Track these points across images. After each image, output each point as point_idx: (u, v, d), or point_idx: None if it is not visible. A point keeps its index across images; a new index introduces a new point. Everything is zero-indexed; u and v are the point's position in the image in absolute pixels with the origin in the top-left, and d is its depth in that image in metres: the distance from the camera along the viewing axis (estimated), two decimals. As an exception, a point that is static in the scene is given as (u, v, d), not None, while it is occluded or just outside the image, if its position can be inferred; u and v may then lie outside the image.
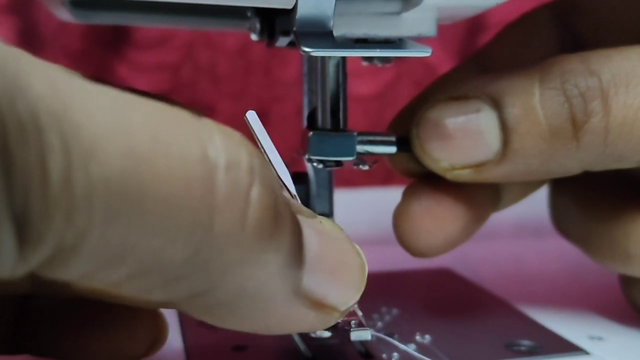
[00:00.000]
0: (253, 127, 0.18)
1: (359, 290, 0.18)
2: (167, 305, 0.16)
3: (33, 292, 0.22)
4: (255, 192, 0.14)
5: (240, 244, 0.14)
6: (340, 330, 0.24)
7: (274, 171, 0.18)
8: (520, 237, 0.47)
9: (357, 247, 0.18)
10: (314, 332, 0.24)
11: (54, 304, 0.24)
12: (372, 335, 0.23)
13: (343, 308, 0.17)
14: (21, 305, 0.24)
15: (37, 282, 0.21)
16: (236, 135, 0.15)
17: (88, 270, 0.13)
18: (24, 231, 0.12)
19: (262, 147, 0.19)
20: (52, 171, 0.12)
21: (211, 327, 0.28)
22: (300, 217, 0.17)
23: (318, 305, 0.17)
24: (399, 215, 0.26)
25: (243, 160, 0.15)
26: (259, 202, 0.15)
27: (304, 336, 0.26)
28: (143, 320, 0.23)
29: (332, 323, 0.18)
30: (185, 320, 0.29)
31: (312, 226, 0.17)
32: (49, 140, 0.11)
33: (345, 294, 0.17)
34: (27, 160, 0.11)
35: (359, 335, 0.23)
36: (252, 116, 0.19)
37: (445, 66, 0.50)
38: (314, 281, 0.16)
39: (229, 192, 0.14)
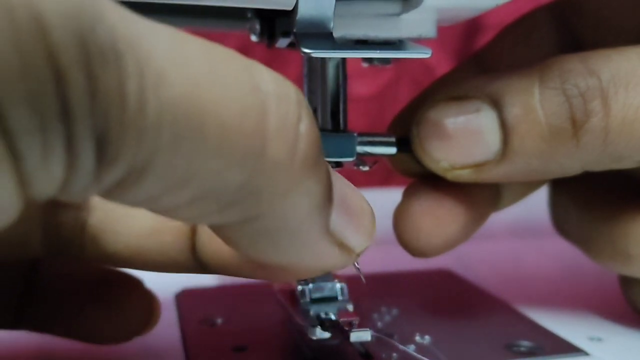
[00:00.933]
0: None
1: (372, 236, 0.19)
2: (216, 231, 0.17)
3: (44, 255, 0.23)
4: (304, 125, 0.15)
5: (289, 172, 0.15)
6: (340, 330, 0.24)
7: None
8: (519, 238, 0.47)
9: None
10: (315, 334, 0.24)
11: (57, 282, 0.25)
12: (371, 336, 0.23)
13: (359, 250, 0.18)
14: (26, 281, 0.25)
15: (50, 244, 0.22)
16: (282, 76, 0.16)
17: (153, 194, 0.14)
18: (102, 151, 0.12)
19: None
20: (128, 94, 0.12)
21: (211, 327, 0.28)
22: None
23: (342, 244, 0.18)
24: (399, 216, 0.27)
25: (292, 94, 0.15)
26: (307, 134, 0.15)
27: (305, 337, 0.26)
28: (138, 301, 0.25)
29: (350, 263, 0.19)
30: (185, 321, 0.29)
31: (335, 173, 0.18)
32: (126, 65, 0.12)
33: (362, 237, 0.18)
34: (108, 83, 0.12)
35: (358, 336, 0.23)
36: None
37: (443, 67, 0.50)
38: (340, 221, 0.17)
39: (280, 122, 0.15)
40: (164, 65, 0.13)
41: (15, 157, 0.12)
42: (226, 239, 0.17)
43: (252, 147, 0.14)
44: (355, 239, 0.18)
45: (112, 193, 0.14)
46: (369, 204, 0.19)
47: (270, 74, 0.15)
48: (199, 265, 0.23)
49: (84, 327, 0.25)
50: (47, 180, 0.12)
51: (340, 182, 0.18)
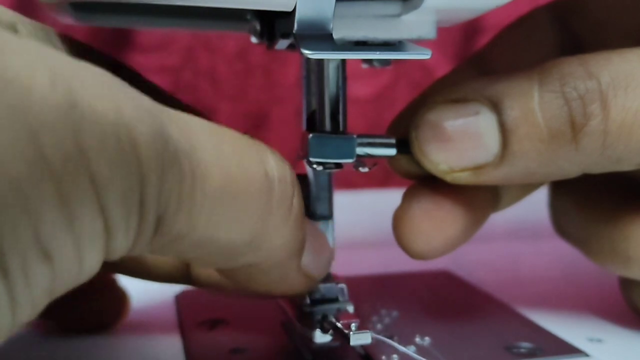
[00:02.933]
0: None
1: (329, 266, 0.25)
2: (223, 272, 0.22)
3: None
4: (296, 199, 0.21)
5: (284, 234, 0.21)
6: (340, 333, 0.24)
7: None
8: (519, 239, 0.47)
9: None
10: (315, 337, 0.24)
11: None
12: (371, 338, 0.23)
13: (320, 277, 0.24)
14: None
15: None
16: (277, 153, 0.21)
17: (186, 251, 0.19)
18: (160, 226, 0.17)
19: None
20: (183, 188, 0.17)
21: (211, 329, 0.28)
22: None
23: (308, 275, 0.23)
24: (399, 218, 0.27)
25: (288, 175, 0.20)
26: (298, 206, 0.21)
27: (304, 339, 0.26)
28: (111, 295, 0.30)
29: (305, 292, 0.25)
30: (184, 322, 0.29)
31: (306, 220, 0.23)
32: (185, 169, 0.17)
33: (323, 268, 0.24)
34: (171, 182, 0.17)
35: (359, 338, 0.23)
36: None
37: (442, 68, 0.50)
38: (307, 260, 0.23)
39: (281, 199, 0.20)
40: (208, 166, 0.18)
41: (108, 233, 0.16)
42: (223, 272, 0.22)
43: (261, 217, 0.19)
44: (317, 271, 0.24)
45: (155, 250, 0.18)
46: (329, 245, 0.25)
47: (274, 158, 0.20)
48: (191, 280, 0.28)
49: (64, 316, 0.29)
50: (122, 249, 0.17)
51: (309, 229, 0.23)
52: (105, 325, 0.29)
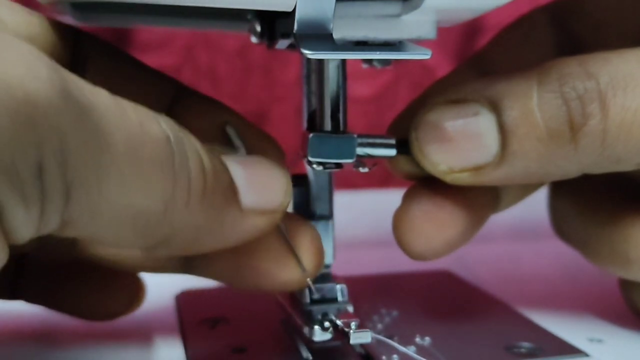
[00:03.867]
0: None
1: (288, 194, 0.22)
2: (145, 252, 0.21)
3: (39, 252, 0.26)
4: (191, 160, 0.19)
5: (190, 200, 0.19)
6: (340, 332, 0.24)
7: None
8: (519, 239, 0.47)
9: (278, 163, 0.23)
10: (315, 335, 0.24)
11: (49, 261, 0.28)
12: (371, 338, 0.23)
13: (281, 208, 0.22)
14: (20, 257, 0.28)
15: (40, 244, 0.24)
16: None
17: (102, 227, 0.18)
18: (69, 197, 0.16)
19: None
20: (90, 153, 0.16)
21: (211, 328, 0.28)
22: (224, 157, 0.22)
23: (261, 212, 0.22)
24: (399, 219, 0.27)
25: (179, 135, 0.19)
26: (193, 166, 0.19)
27: (304, 338, 0.26)
28: (124, 283, 0.29)
29: (278, 220, 0.22)
30: (185, 322, 0.29)
31: (234, 160, 0.22)
32: (88, 128, 0.16)
33: (277, 198, 0.22)
34: (76, 144, 0.15)
35: (359, 337, 0.23)
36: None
37: (443, 68, 0.50)
38: (250, 198, 0.21)
39: (180, 162, 0.19)
40: (112, 126, 0.17)
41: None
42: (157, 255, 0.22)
43: (169, 180, 0.18)
44: (271, 202, 0.22)
45: (68, 229, 0.17)
46: (279, 169, 0.22)
47: (165, 120, 0.19)
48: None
49: (74, 304, 0.28)
50: (25, 229, 0.15)
51: (239, 166, 0.21)
52: (116, 313, 0.29)
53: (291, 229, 0.24)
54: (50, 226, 0.16)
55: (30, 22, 0.23)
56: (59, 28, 0.24)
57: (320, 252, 0.24)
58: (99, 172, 0.16)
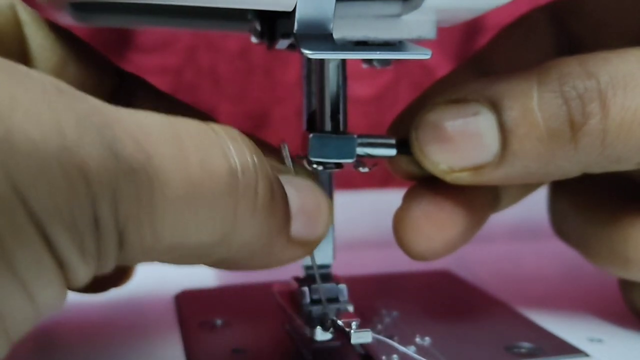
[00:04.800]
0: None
1: (328, 226, 0.23)
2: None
3: None
4: (260, 186, 0.20)
5: (252, 224, 0.20)
6: (340, 332, 0.24)
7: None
8: (519, 239, 0.47)
9: (324, 191, 0.23)
10: (316, 335, 0.24)
11: None
12: (372, 337, 0.23)
13: (320, 240, 0.23)
14: None
15: None
16: (236, 134, 0.20)
17: (155, 258, 0.19)
18: (123, 242, 0.17)
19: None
20: (143, 203, 0.17)
21: (211, 329, 0.28)
22: (281, 177, 0.22)
23: (302, 243, 0.22)
24: (399, 219, 0.27)
25: (250, 162, 0.19)
26: (263, 192, 0.20)
27: (304, 338, 0.26)
28: None
29: (310, 253, 0.23)
30: (184, 322, 0.29)
31: (291, 183, 0.22)
32: (141, 181, 0.16)
33: (320, 231, 0.22)
34: (129, 197, 0.16)
35: (359, 337, 0.23)
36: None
37: (443, 68, 0.50)
38: (298, 228, 0.22)
39: (245, 190, 0.19)
40: (168, 173, 0.17)
41: (62, 266, 0.15)
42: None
43: (229, 213, 0.19)
44: (313, 235, 0.22)
45: (123, 262, 0.18)
46: (325, 199, 0.23)
47: (235, 145, 0.19)
48: None
49: None
50: (85, 275, 0.16)
51: (295, 194, 0.22)
52: (106, 287, 0.28)
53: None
54: (106, 269, 0.17)
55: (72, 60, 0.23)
56: (102, 69, 0.25)
57: (323, 208, 0.23)
58: (153, 217, 0.17)
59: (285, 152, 0.24)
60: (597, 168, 0.24)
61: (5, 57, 0.21)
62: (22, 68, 0.16)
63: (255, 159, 0.20)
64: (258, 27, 0.25)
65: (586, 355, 0.26)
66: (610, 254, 0.27)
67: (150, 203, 0.17)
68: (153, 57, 0.47)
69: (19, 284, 0.15)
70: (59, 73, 0.23)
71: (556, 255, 0.39)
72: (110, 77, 0.25)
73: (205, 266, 0.24)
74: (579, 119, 0.23)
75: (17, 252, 0.14)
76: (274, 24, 0.25)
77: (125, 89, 0.26)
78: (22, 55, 0.23)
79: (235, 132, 0.20)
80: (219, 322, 0.29)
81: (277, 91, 0.49)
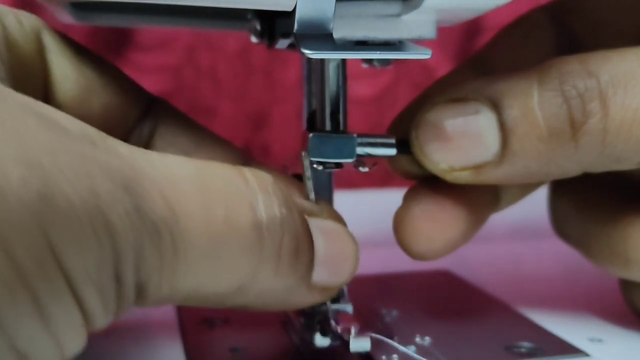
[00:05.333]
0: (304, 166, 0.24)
1: (354, 271, 0.23)
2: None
3: None
4: (285, 240, 0.20)
5: (275, 277, 0.20)
6: (340, 338, 0.24)
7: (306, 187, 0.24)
8: (519, 239, 0.47)
9: (351, 233, 0.23)
10: (315, 341, 0.24)
11: None
12: (371, 337, 0.23)
13: (341, 286, 0.23)
14: None
15: None
16: (268, 183, 0.20)
17: (172, 304, 0.19)
18: (141, 294, 0.17)
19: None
20: (166, 261, 0.17)
21: (210, 329, 0.28)
22: (310, 221, 0.21)
23: (324, 289, 0.22)
24: (400, 219, 0.27)
25: (277, 216, 0.19)
26: (287, 247, 0.20)
27: (303, 339, 0.26)
28: None
29: (332, 297, 0.23)
30: (185, 321, 0.29)
31: (319, 228, 0.22)
32: (165, 241, 0.17)
33: (343, 278, 0.22)
34: (152, 256, 0.17)
35: (358, 345, 0.23)
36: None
37: (443, 68, 0.50)
38: (321, 275, 0.21)
39: (269, 246, 0.19)
40: (192, 232, 0.17)
41: (86, 318, 0.16)
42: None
43: (251, 267, 0.19)
44: (337, 281, 0.22)
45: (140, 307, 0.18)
46: (352, 243, 0.22)
47: (263, 198, 0.19)
48: None
49: None
50: (103, 324, 0.17)
51: (322, 239, 0.21)
52: None
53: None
54: (122, 315, 0.18)
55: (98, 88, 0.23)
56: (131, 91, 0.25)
57: (348, 256, 0.23)
58: (174, 274, 0.17)
59: (307, 163, 0.24)
60: (597, 167, 0.24)
61: (27, 86, 0.21)
62: (59, 118, 0.17)
63: (285, 211, 0.20)
64: (258, 27, 0.25)
65: (586, 355, 0.26)
66: (610, 253, 0.27)
67: (172, 263, 0.17)
68: (152, 56, 0.47)
69: (49, 332, 0.15)
70: (81, 103, 0.23)
71: (556, 255, 0.39)
72: (138, 102, 0.25)
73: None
74: (579, 118, 0.23)
75: (49, 305, 0.15)
76: (273, 24, 0.25)
77: (152, 112, 0.26)
78: (44, 84, 0.23)
79: (267, 181, 0.20)
80: (218, 321, 0.29)
81: (277, 92, 0.49)
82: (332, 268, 0.22)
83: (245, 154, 0.26)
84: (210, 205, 0.18)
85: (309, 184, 0.24)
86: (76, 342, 0.16)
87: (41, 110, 0.17)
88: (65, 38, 0.24)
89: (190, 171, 0.18)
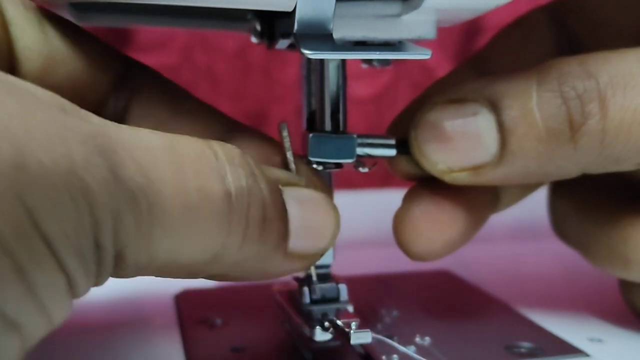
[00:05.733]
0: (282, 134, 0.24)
1: (334, 239, 0.23)
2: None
3: None
4: (252, 209, 0.20)
5: (242, 246, 0.20)
6: (340, 332, 0.24)
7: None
8: (518, 239, 0.47)
9: (331, 202, 0.23)
10: (316, 335, 0.24)
11: None
12: (372, 337, 0.23)
13: (322, 253, 0.23)
14: None
15: None
16: (235, 156, 0.20)
17: (148, 274, 0.19)
18: (119, 261, 0.18)
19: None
20: (142, 226, 0.17)
21: (210, 328, 0.28)
22: (285, 191, 0.22)
23: (303, 256, 0.22)
24: (399, 220, 0.27)
25: (243, 187, 0.20)
26: (254, 216, 0.20)
27: (304, 338, 0.26)
28: None
29: (313, 264, 0.24)
30: (184, 322, 0.29)
31: (295, 197, 0.22)
32: (141, 206, 0.17)
33: (321, 245, 0.22)
34: (129, 221, 0.17)
35: (359, 337, 0.23)
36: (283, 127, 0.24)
37: (443, 68, 0.50)
38: (297, 243, 0.21)
39: (237, 215, 0.19)
40: (167, 198, 0.18)
41: (70, 284, 0.16)
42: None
43: (221, 235, 0.19)
44: (314, 249, 0.22)
45: (117, 276, 0.19)
46: (331, 211, 0.22)
47: (231, 169, 0.20)
48: None
49: None
50: (84, 290, 0.17)
51: (297, 208, 0.21)
52: None
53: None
54: (101, 283, 0.18)
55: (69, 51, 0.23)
56: (105, 54, 0.24)
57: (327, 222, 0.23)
58: (150, 241, 0.18)
59: (285, 134, 0.24)
60: (596, 168, 0.24)
61: None
62: (28, 88, 0.17)
63: (251, 181, 0.20)
64: (258, 27, 0.25)
65: (586, 355, 0.26)
66: (610, 254, 0.27)
67: (148, 229, 0.17)
68: (150, 55, 0.47)
69: (36, 299, 0.16)
70: (48, 74, 0.23)
71: (556, 255, 0.39)
72: (111, 69, 0.25)
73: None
74: (578, 119, 0.23)
75: (32, 270, 0.15)
76: (273, 24, 0.25)
77: (129, 78, 0.25)
78: (9, 58, 0.23)
79: (234, 153, 0.20)
80: (218, 321, 0.29)
81: (276, 91, 0.49)
82: (309, 236, 0.22)
83: (230, 120, 0.26)
84: (183, 174, 0.18)
85: (289, 155, 0.24)
86: (63, 308, 0.17)
87: (8, 79, 0.16)
88: (31, 7, 0.23)
89: (163, 142, 0.19)
